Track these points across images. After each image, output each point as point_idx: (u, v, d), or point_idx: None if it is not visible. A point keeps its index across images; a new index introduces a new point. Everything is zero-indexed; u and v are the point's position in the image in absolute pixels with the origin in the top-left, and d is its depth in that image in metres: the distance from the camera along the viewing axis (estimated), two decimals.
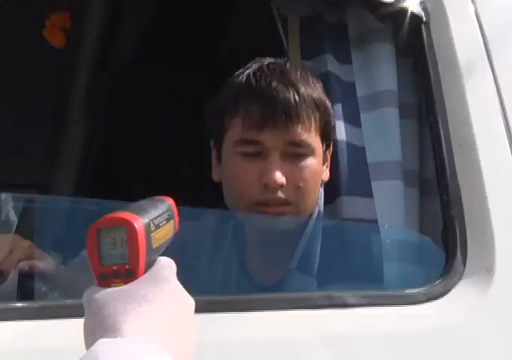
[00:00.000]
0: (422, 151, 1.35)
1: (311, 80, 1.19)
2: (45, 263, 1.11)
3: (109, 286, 0.66)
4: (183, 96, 2.31)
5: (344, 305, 1.01)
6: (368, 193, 1.26)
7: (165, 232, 0.73)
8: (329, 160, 1.23)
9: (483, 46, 1.32)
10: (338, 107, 1.31)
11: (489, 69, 1.30)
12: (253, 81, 1.16)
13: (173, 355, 0.63)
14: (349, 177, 1.27)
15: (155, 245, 0.69)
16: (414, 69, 1.38)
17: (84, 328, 0.67)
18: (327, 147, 1.22)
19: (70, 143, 2.40)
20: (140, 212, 0.69)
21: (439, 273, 1.10)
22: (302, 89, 1.15)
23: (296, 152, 1.15)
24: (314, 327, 0.98)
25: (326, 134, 1.20)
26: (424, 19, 1.35)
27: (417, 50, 1.35)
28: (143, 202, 0.73)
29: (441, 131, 1.23)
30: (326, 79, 1.29)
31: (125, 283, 0.66)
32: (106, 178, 2.41)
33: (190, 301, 0.71)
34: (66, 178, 2.43)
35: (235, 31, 2.28)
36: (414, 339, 1.02)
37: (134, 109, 2.42)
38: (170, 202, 0.76)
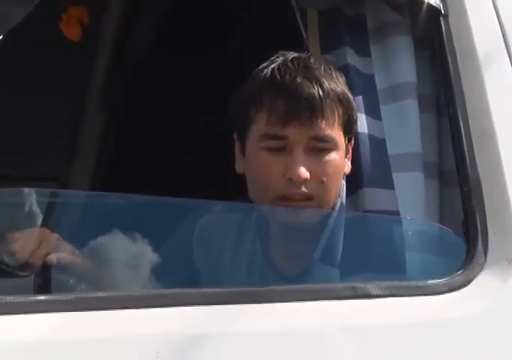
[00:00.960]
0: (441, 142, 1.35)
1: (334, 75, 1.20)
2: (72, 256, 1.13)
3: None
4: (200, 87, 2.32)
5: (368, 296, 1.02)
6: (389, 184, 1.27)
7: None
8: (350, 152, 1.25)
9: (501, 37, 1.32)
10: (359, 100, 1.31)
11: (508, 60, 1.30)
12: (277, 76, 1.17)
13: None
14: (371, 169, 1.28)
15: None
16: (432, 61, 1.39)
17: None
18: (349, 140, 1.23)
19: (88, 136, 2.42)
20: None
21: (461, 264, 1.10)
22: (326, 84, 1.17)
23: (319, 147, 1.16)
24: (339, 318, 0.99)
25: (349, 128, 1.21)
26: (442, 10, 1.35)
27: (435, 42, 1.35)
28: None
29: (461, 122, 1.23)
30: (345, 72, 1.30)
31: None
32: (122, 171, 2.43)
33: None
34: (83, 170, 2.45)
35: (251, 21, 2.28)
36: (436, 328, 1.03)
37: (150, 101, 2.43)
38: None
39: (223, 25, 2.29)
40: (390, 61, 1.38)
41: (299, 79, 1.16)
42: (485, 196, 1.16)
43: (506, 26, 1.34)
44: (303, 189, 1.14)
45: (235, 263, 1.21)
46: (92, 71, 2.25)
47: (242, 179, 1.24)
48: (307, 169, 1.14)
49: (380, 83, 1.36)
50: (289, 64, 1.19)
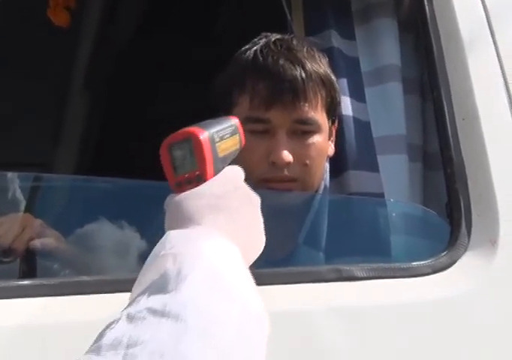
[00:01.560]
0: (425, 125, 1.36)
1: (317, 56, 1.20)
2: (56, 241, 1.13)
3: (183, 191, 0.76)
4: (184, 70, 2.31)
5: (353, 278, 1.02)
6: (374, 167, 1.27)
7: (230, 144, 0.83)
8: (334, 134, 1.24)
9: (485, 18, 1.32)
10: (343, 82, 1.32)
11: (492, 41, 1.30)
12: (260, 58, 1.16)
13: (240, 245, 0.70)
14: (355, 151, 1.28)
15: (221, 154, 0.79)
16: (416, 43, 1.39)
17: (165, 227, 0.75)
18: (333, 122, 1.23)
19: (72, 121, 2.40)
20: (204, 126, 0.79)
21: (444, 245, 1.11)
22: (309, 66, 1.16)
23: (302, 130, 1.16)
24: (324, 299, 1.00)
25: (332, 110, 1.21)
26: None
27: (419, 24, 1.35)
28: (209, 120, 0.83)
29: (445, 105, 1.23)
30: (330, 55, 1.30)
31: (196, 187, 0.75)
32: (108, 156, 2.42)
33: (256, 198, 0.79)
34: (68, 156, 2.44)
35: (235, 3, 2.27)
36: (421, 309, 1.04)
37: (134, 86, 2.42)
38: (234, 119, 0.87)
39: (206, 7, 2.27)
40: (374, 43, 1.38)
41: (281, 62, 1.15)
42: (468, 179, 1.17)
43: (489, 7, 1.33)
44: (286, 172, 1.14)
45: None
46: (76, 56, 2.23)
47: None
48: (290, 152, 1.13)
49: (364, 66, 1.36)
50: (271, 46, 1.18)
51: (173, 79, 2.36)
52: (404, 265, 1.07)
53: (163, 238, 0.68)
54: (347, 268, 1.02)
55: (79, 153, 2.45)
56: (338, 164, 1.27)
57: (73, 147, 2.45)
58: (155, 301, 0.59)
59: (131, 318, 0.58)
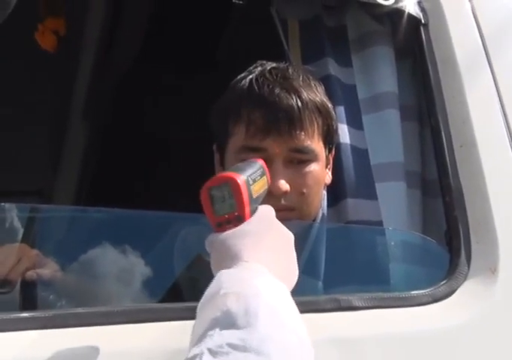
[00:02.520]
0: (423, 152, 1.36)
1: (313, 84, 1.20)
2: (52, 271, 1.12)
3: (224, 230, 0.84)
4: (183, 100, 2.32)
5: (351, 308, 1.01)
6: (372, 195, 1.27)
7: (261, 185, 0.93)
8: (331, 163, 1.24)
9: (481, 46, 1.33)
10: (341, 110, 1.32)
11: (488, 68, 1.31)
12: (255, 87, 1.16)
13: (281, 278, 0.78)
14: (353, 179, 1.28)
15: (254, 195, 0.89)
16: (413, 70, 1.40)
17: (211, 264, 0.84)
18: (330, 150, 1.23)
19: (71, 150, 2.40)
20: (239, 171, 0.89)
21: (444, 274, 1.11)
22: (305, 95, 1.16)
23: (299, 159, 1.16)
24: (322, 330, 0.98)
25: (329, 138, 1.20)
26: (422, 20, 1.36)
27: (416, 51, 1.36)
28: (240, 164, 0.97)
29: (442, 132, 1.24)
30: (327, 83, 1.30)
31: (236, 226, 0.84)
32: (106, 184, 2.42)
33: (290, 235, 0.88)
34: (67, 184, 2.44)
35: (233, 33, 2.29)
36: (421, 340, 1.03)
37: (135, 113, 2.43)
38: (260, 162, 0.97)
39: (205, 35, 2.29)
40: (371, 70, 1.38)
41: (277, 91, 1.15)
42: (467, 206, 1.17)
43: (486, 35, 1.35)
44: (283, 202, 1.13)
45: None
46: (75, 83, 2.24)
47: None
48: (287, 181, 1.13)
49: (361, 93, 1.36)
50: (267, 74, 1.18)
51: (175, 106, 2.37)
52: (403, 295, 1.07)
53: (216, 277, 0.76)
54: (346, 298, 1.02)
55: (77, 181, 2.45)
56: (336, 192, 1.27)
57: (72, 175, 2.45)
58: (231, 336, 0.66)
59: (214, 353, 0.65)
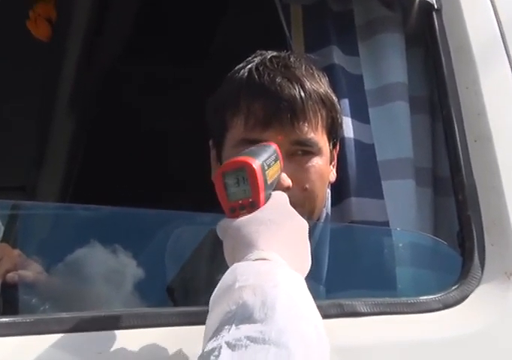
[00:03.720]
0: (435, 147, 1.36)
1: (316, 74, 1.20)
2: (35, 273, 1.12)
3: (237, 216, 0.87)
4: (174, 92, 2.32)
5: (356, 314, 1.02)
6: (378, 193, 1.27)
7: (275, 170, 0.95)
8: (335, 159, 1.24)
9: (498, 34, 1.33)
10: (345, 102, 1.32)
11: (506, 58, 1.31)
12: (255, 76, 1.16)
13: (297, 268, 0.81)
14: (358, 177, 1.28)
15: (269, 181, 0.91)
16: (425, 60, 1.40)
17: (225, 251, 0.87)
18: (334, 146, 1.23)
19: (57, 144, 2.41)
20: (255, 155, 0.91)
21: (456, 278, 1.11)
22: (308, 85, 1.16)
23: (301, 152, 1.16)
24: None
25: (333, 132, 1.21)
26: (435, 5, 1.36)
27: (428, 39, 1.36)
28: (254, 148, 0.99)
29: (455, 126, 1.24)
30: (331, 73, 1.30)
31: (250, 212, 0.87)
32: (93, 180, 2.42)
33: (305, 223, 0.91)
34: (52, 180, 2.44)
35: (230, 21, 2.28)
36: (430, 349, 1.03)
37: (122, 108, 2.43)
38: (274, 146, 1.00)
39: (202, 23, 2.28)
40: (379, 60, 1.38)
41: (278, 80, 1.15)
42: (481, 205, 1.17)
43: (504, 21, 1.34)
44: None
45: (211, 279, 1.20)
46: (60, 75, 2.24)
47: None
48: (289, 176, 1.13)
49: (368, 84, 1.36)
50: (267, 63, 1.18)
51: (166, 97, 2.37)
52: (411, 300, 1.07)
53: (230, 270, 0.80)
54: (350, 303, 1.02)
55: (63, 177, 2.46)
56: (339, 190, 1.27)
57: (58, 170, 2.45)
58: (249, 329, 0.70)
59: (232, 346, 0.68)
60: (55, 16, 1.74)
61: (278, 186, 1.11)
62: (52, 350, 0.88)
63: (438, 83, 1.32)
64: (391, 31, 1.39)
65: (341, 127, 1.26)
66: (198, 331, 0.93)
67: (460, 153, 1.21)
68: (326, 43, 1.37)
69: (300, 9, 1.42)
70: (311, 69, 1.20)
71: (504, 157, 1.20)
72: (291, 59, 1.21)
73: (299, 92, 1.14)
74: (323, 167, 1.18)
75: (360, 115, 1.33)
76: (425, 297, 1.07)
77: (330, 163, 1.22)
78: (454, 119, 1.25)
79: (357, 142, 1.30)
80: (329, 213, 1.23)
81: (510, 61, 1.30)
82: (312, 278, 1.17)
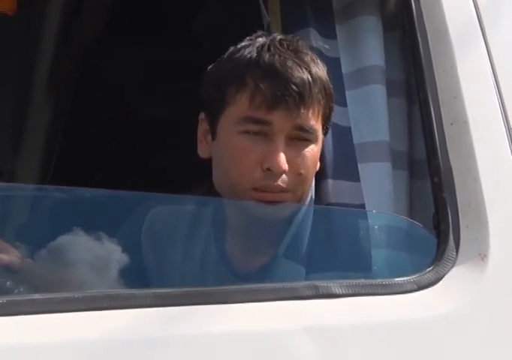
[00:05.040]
0: (411, 130, 1.36)
1: (319, 63, 1.21)
2: (9, 256, 1.11)
3: None
4: (156, 74, 2.30)
5: (331, 295, 1.02)
6: (354, 176, 1.27)
7: None
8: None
9: (475, 17, 1.33)
10: None
11: (483, 41, 1.30)
12: (266, 55, 1.16)
13: None
14: (334, 159, 1.29)
15: None
16: (402, 43, 1.40)
17: None
18: (325, 135, 1.24)
19: (35, 126, 2.38)
20: None
21: (430, 260, 1.11)
22: (315, 71, 1.17)
23: (301, 137, 1.17)
24: (298, 318, 0.99)
25: (328, 122, 1.22)
26: None
27: (405, 22, 1.36)
28: None
29: (432, 109, 1.24)
30: None
31: None
32: (72, 165, 2.40)
33: None
34: (30, 165, 2.42)
35: (210, 3, 2.27)
36: (404, 329, 1.04)
37: (102, 90, 2.41)
38: None
39: (181, 7, 2.27)
40: (356, 43, 1.38)
41: (289, 63, 1.15)
42: (457, 188, 1.17)
43: (481, 4, 1.34)
44: (279, 182, 1.14)
45: (186, 260, 1.20)
46: (37, 57, 2.21)
47: (200, 166, 1.22)
48: (286, 160, 1.14)
49: (345, 67, 1.36)
50: (277, 44, 1.18)
51: (145, 81, 2.36)
52: (386, 282, 1.07)
53: None
54: (325, 285, 1.02)
55: (41, 161, 2.43)
56: (317, 173, 1.27)
57: (36, 154, 2.43)
58: None
59: None
60: None
61: (274, 169, 1.12)
62: (24, 332, 0.88)
63: (414, 67, 1.31)
64: (369, 14, 1.39)
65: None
66: (170, 312, 0.94)
67: (436, 136, 1.21)
68: (304, 26, 1.37)
69: None
70: (314, 56, 1.22)
71: (480, 140, 1.20)
72: (299, 43, 1.21)
73: (308, 78, 1.15)
74: (316, 155, 1.19)
75: (337, 97, 1.33)
76: (400, 278, 1.07)
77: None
78: (431, 102, 1.25)
79: (334, 125, 1.30)
80: (313, 197, 1.24)
81: (486, 45, 1.30)
82: (292, 258, 1.18)
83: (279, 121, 1.14)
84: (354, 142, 1.30)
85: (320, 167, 1.26)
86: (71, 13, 2.08)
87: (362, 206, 1.25)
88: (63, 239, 1.14)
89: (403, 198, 1.31)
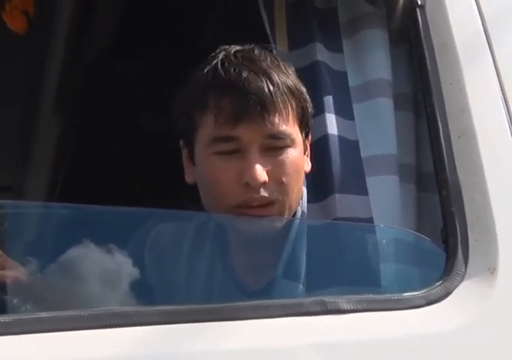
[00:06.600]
0: (418, 143, 1.36)
1: (282, 66, 1.19)
2: (17, 273, 1.11)
3: None
4: (162, 89, 2.30)
5: (339, 311, 1.01)
6: (362, 190, 1.27)
7: None
8: (309, 149, 1.24)
9: (482, 30, 1.32)
10: (329, 99, 1.32)
11: (489, 54, 1.30)
12: (221, 72, 1.15)
13: None
14: (342, 173, 1.28)
15: None
16: (409, 56, 1.39)
17: None
18: (307, 135, 1.22)
19: (43, 143, 2.39)
20: None
21: (439, 274, 1.10)
22: (275, 76, 1.15)
23: (275, 145, 1.15)
24: (306, 335, 0.99)
25: (305, 122, 1.20)
26: (419, 1, 1.35)
27: (411, 36, 1.36)
28: None
29: (439, 122, 1.24)
30: (316, 69, 1.31)
31: None
32: (81, 180, 2.41)
33: None
34: (38, 179, 2.43)
35: (217, 19, 2.28)
36: (413, 345, 1.02)
37: (109, 106, 2.42)
38: None
39: (188, 22, 2.28)
40: (363, 56, 1.38)
41: (244, 74, 1.14)
42: (465, 201, 1.16)
43: (487, 18, 1.34)
44: (262, 193, 1.13)
45: (192, 277, 1.20)
46: (45, 73, 2.22)
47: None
48: (264, 171, 1.13)
49: (352, 80, 1.36)
50: (232, 58, 1.17)
51: (152, 96, 2.36)
52: (395, 297, 1.06)
53: None
54: (333, 300, 1.01)
55: (50, 176, 2.44)
56: (323, 187, 1.27)
57: (44, 169, 2.44)
58: None
59: None
60: (32, 10, 1.73)
61: (252, 183, 1.11)
62: (31, 350, 0.87)
63: (421, 80, 1.31)
64: (375, 28, 1.39)
65: (312, 116, 1.24)
66: (178, 329, 0.93)
67: (444, 149, 1.21)
68: (310, 40, 1.37)
69: (284, 6, 1.41)
70: (277, 60, 1.20)
71: (488, 153, 1.20)
72: (256, 52, 1.20)
73: (267, 84, 1.14)
74: (298, 158, 1.17)
75: (344, 111, 1.33)
76: (408, 293, 1.07)
77: (304, 153, 1.21)
78: (438, 116, 1.25)
79: (341, 139, 1.30)
80: (305, 211, 1.22)
81: (493, 58, 1.30)
82: (291, 278, 1.17)
83: (246, 134, 1.13)
84: (362, 155, 1.30)
85: (326, 182, 1.26)
86: (78, 30, 2.09)
87: (371, 220, 1.24)
88: (72, 252, 1.14)
89: (411, 211, 1.30)
